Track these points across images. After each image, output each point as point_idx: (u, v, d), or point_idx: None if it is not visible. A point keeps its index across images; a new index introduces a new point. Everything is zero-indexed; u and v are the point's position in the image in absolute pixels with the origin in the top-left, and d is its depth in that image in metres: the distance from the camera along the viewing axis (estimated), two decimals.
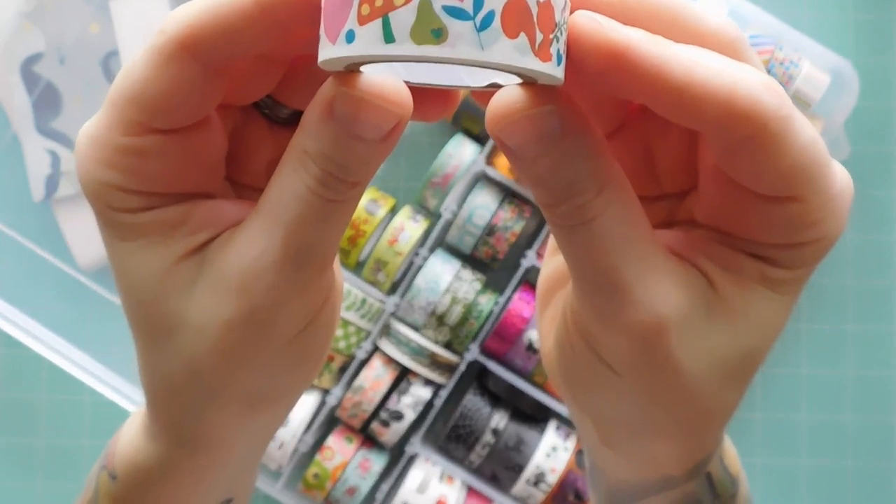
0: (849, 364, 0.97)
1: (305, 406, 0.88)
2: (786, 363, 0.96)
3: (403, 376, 0.89)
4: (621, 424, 0.28)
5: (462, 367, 0.88)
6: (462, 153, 0.88)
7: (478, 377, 0.91)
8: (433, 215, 0.92)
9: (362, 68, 0.22)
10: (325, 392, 0.90)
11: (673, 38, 0.22)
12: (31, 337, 0.85)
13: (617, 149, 0.28)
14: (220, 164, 0.27)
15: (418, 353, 0.87)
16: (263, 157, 0.28)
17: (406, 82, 0.22)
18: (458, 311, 0.87)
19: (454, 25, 0.20)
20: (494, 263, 0.91)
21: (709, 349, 0.25)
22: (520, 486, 0.87)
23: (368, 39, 0.20)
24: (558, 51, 0.21)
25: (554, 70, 0.21)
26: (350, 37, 0.21)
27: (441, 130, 0.95)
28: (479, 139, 0.90)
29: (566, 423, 0.90)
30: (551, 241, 0.31)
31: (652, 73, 0.21)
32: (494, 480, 0.89)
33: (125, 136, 0.24)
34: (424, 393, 0.87)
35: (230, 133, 0.27)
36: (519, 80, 0.22)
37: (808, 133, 0.22)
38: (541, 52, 0.21)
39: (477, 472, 0.90)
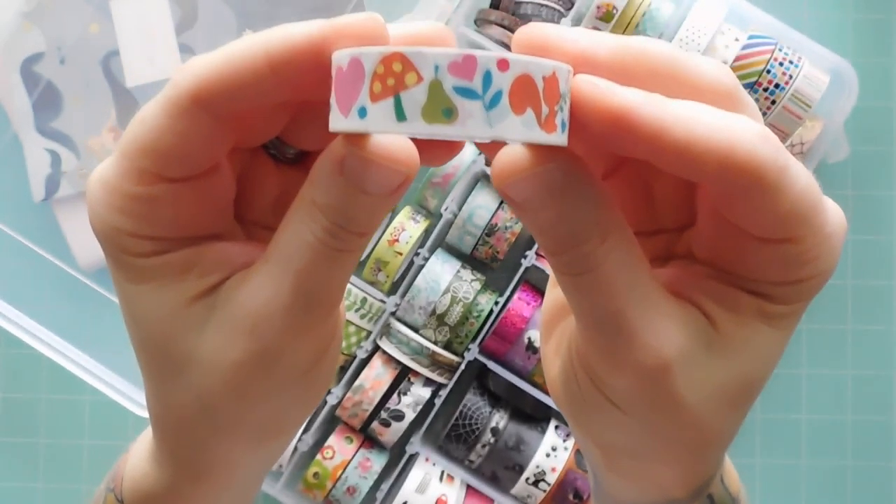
0: (849, 364, 0.96)
1: None
2: (786, 363, 0.96)
3: (404, 376, 0.89)
4: (625, 452, 0.28)
5: (462, 367, 0.88)
6: (462, 153, 0.88)
7: (478, 377, 0.91)
8: (433, 215, 0.92)
9: None
10: (326, 391, 0.90)
11: (671, 92, 0.23)
12: (32, 337, 0.84)
13: (616, 185, 0.28)
14: (229, 205, 0.27)
15: (418, 352, 0.87)
16: (269, 194, 0.29)
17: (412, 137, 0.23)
18: (458, 310, 0.87)
19: (464, 105, 0.21)
20: (494, 263, 0.91)
21: (710, 382, 0.25)
22: (520, 486, 0.87)
23: (381, 117, 0.21)
24: (563, 120, 0.22)
25: (558, 139, 0.22)
26: (362, 113, 0.21)
27: None
28: None
29: (566, 423, 0.90)
30: None
31: (652, 134, 0.22)
32: (494, 480, 0.89)
33: (137, 185, 0.24)
34: (424, 392, 0.87)
35: (238, 174, 0.28)
36: None
37: (803, 180, 0.23)
38: (546, 124, 0.21)
39: (477, 471, 0.90)
